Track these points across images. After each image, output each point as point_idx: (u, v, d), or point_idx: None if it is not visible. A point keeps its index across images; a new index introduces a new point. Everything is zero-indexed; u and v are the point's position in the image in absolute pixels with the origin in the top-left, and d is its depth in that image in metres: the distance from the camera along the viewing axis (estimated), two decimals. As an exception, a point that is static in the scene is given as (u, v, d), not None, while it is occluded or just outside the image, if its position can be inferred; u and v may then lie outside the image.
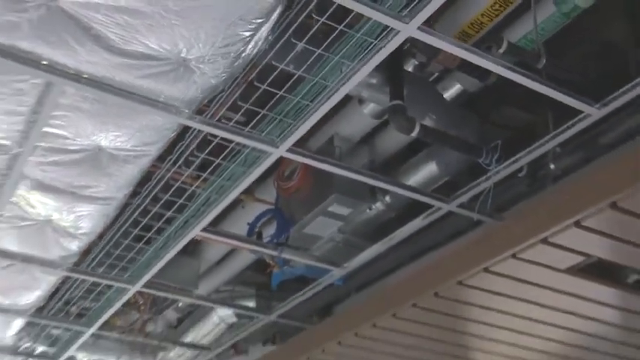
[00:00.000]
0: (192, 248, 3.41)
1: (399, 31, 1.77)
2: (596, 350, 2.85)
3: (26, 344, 4.06)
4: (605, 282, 2.31)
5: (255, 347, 4.05)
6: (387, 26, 1.78)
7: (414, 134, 2.20)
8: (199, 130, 2.29)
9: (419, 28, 1.76)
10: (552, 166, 2.41)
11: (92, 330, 3.70)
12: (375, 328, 2.74)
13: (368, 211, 2.79)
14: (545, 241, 2.09)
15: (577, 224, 2.00)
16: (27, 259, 3.00)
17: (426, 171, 2.59)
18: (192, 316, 4.04)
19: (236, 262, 3.45)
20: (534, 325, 2.64)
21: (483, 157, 2.35)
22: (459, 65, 2.26)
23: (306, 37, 1.96)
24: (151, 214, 2.81)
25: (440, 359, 3.03)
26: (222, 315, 3.75)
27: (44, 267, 3.07)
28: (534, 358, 2.97)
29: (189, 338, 4.00)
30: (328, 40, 1.96)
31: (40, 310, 3.63)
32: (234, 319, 3.77)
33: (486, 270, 2.26)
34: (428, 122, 2.30)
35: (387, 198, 2.73)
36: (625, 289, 2.35)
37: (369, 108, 2.55)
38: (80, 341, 3.88)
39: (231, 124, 2.22)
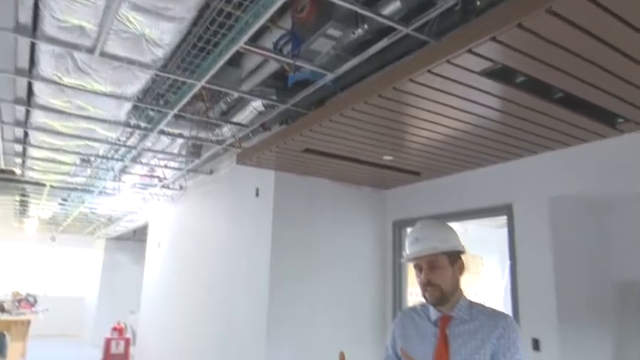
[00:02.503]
0: (237, 61, 3.25)
1: None
2: (491, 129, 2.85)
3: (133, 121, 4.01)
4: (503, 81, 2.23)
5: (275, 126, 4.02)
6: None
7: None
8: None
9: None
10: (478, 3, 2.23)
11: (173, 112, 3.63)
12: (353, 111, 2.69)
13: (352, 34, 2.61)
14: (470, 51, 1.97)
15: (493, 39, 1.88)
16: (130, 62, 2.83)
17: (393, 7, 2.38)
18: (235, 107, 3.95)
19: (264, 70, 3.30)
20: (457, 112, 2.60)
21: (434, -6, 2.17)
22: None
23: None
24: (210, 31, 2.63)
25: (395, 134, 3.02)
26: (255, 105, 3.66)
27: (141, 67, 2.91)
28: (456, 135, 2.97)
29: (234, 119, 3.95)
30: None
31: (140, 99, 3.54)
32: (262, 108, 3.69)
33: (429, 71, 2.16)
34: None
35: (365, 25, 2.54)
36: (514, 86, 2.28)
37: (358, -41, 2.28)
38: (166, 120, 3.82)
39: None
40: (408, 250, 1.74)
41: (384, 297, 4.44)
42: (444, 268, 1.68)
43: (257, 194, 4.34)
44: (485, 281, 7.06)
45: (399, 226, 4.50)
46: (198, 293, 5.42)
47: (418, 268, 1.70)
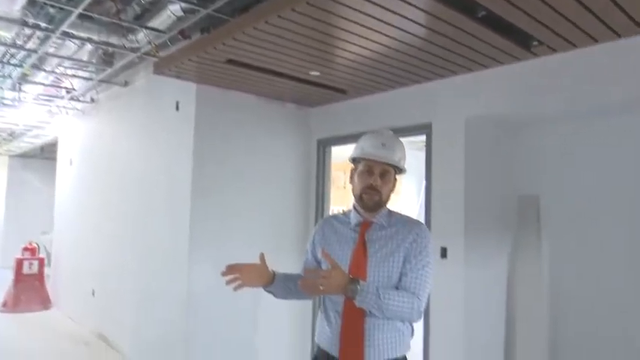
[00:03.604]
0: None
1: None
2: (416, 46, 2.85)
3: (31, 20, 3.54)
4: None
5: (195, 34, 3.74)
6: None
7: None
8: None
9: None
10: None
11: (77, 11, 3.24)
12: (280, 19, 2.54)
13: None
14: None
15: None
16: (20, -56, 2.45)
17: None
18: (151, 11, 3.60)
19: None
20: (385, 27, 2.55)
21: None
22: None
23: None
24: None
25: (323, 48, 2.92)
26: (173, 9, 3.36)
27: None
28: (382, 51, 2.94)
29: (150, 24, 3.61)
30: None
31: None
32: (181, 13, 3.39)
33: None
34: None
35: None
36: (440, 1, 2.25)
37: None
38: (69, 20, 3.40)
39: None
40: (371, 150, 1.72)
41: (307, 213, 4.56)
42: (390, 180, 1.75)
43: (177, 108, 4.12)
44: (403, 201, 7.50)
45: (323, 144, 4.54)
46: (115, 211, 5.23)
47: (369, 170, 1.72)
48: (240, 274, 1.71)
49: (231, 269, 1.71)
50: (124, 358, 4.70)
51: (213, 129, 4.00)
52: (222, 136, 4.06)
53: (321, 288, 1.54)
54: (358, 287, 1.56)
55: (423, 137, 3.67)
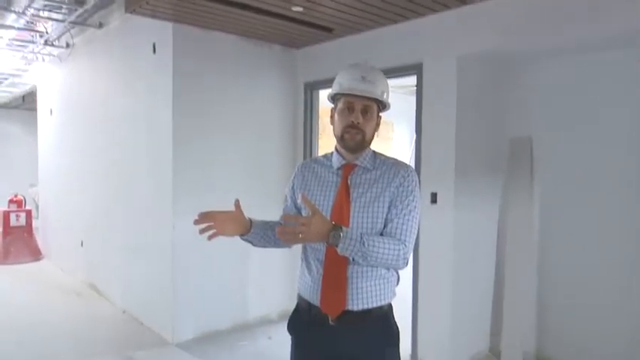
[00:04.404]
0: None
1: None
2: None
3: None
4: None
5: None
6: None
7: None
8: None
9: None
10: None
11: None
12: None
13: None
14: None
15: None
16: None
17: None
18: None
19: None
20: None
21: None
22: None
23: None
24: None
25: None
26: (142, -62, 3.06)
27: None
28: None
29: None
30: None
31: None
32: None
33: None
34: None
35: None
36: None
37: None
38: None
39: None
40: (350, 85, 1.55)
41: (294, 161, 4.41)
42: (372, 117, 1.59)
43: (154, 50, 3.87)
44: (395, 147, 7.35)
45: (310, 88, 4.33)
46: (97, 162, 5.06)
47: (349, 107, 1.56)
48: (213, 222, 1.58)
49: (204, 217, 1.58)
50: (116, 307, 4.68)
51: (193, 73, 3.78)
52: (203, 81, 3.83)
53: (300, 236, 1.42)
54: (341, 234, 1.43)
55: (415, 81, 3.48)
